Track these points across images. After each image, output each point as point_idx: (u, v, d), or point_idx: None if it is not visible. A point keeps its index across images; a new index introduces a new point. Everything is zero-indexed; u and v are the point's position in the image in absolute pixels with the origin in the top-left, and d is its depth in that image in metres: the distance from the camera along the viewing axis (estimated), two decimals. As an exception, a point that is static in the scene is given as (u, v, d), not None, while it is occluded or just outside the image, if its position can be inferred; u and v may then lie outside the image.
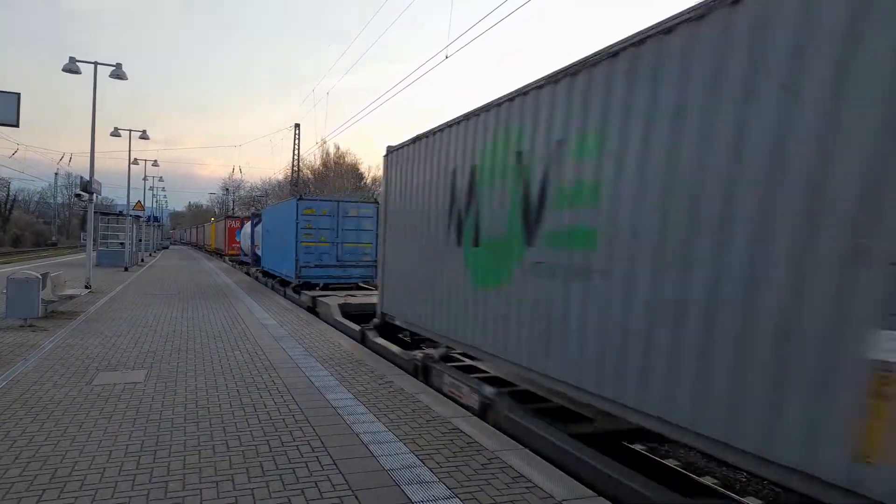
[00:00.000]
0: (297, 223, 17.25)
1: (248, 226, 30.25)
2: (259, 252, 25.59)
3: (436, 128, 8.14)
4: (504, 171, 6.31)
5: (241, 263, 33.03)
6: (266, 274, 23.50)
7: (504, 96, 6.40)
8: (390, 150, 9.83)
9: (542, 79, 5.72)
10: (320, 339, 10.59)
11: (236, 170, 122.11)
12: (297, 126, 59.81)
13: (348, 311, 13.17)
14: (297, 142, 59.94)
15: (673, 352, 4.08)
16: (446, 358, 8.04)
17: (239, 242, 33.75)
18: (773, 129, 3.49)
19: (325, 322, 13.08)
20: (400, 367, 8.48)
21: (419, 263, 8.55)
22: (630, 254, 4.50)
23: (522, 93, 6.03)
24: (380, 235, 10.73)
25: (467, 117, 7.19)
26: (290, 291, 18.15)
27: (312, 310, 15.04)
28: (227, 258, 39.10)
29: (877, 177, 3.01)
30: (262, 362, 8.46)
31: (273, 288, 21.26)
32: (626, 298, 4.51)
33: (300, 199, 18.24)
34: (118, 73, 20.36)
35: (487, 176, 6.64)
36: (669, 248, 4.16)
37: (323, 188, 49.65)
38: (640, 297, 4.39)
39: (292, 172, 59.66)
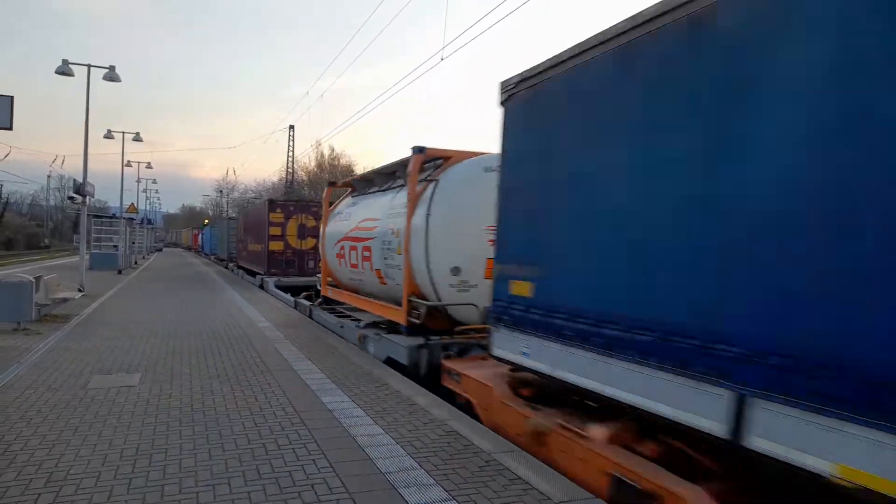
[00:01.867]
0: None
1: (200, 233, 65.53)
2: (201, 244, 60.92)
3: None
4: None
5: (197, 252, 66.20)
6: (206, 255, 54.29)
7: None
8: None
9: None
10: (313, 339, 10.57)
11: (230, 171, 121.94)
12: (292, 127, 59.84)
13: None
14: (291, 143, 59.91)
15: None
16: None
17: (198, 242, 67.20)
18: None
19: None
20: None
21: None
22: None
23: None
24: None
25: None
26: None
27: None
28: (193, 250, 73.47)
29: None
30: (254, 357, 8.45)
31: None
32: None
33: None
34: (111, 76, 20.32)
35: None
36: None
37: (317, 189, 49.58)
38: None
39: (286, 174, 59.57)
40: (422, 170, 9.01)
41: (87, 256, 22.24)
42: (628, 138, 4.39)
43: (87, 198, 21.38)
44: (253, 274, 25.15)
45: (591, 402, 5.05)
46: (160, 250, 75.59)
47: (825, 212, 3.05)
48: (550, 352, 5.04)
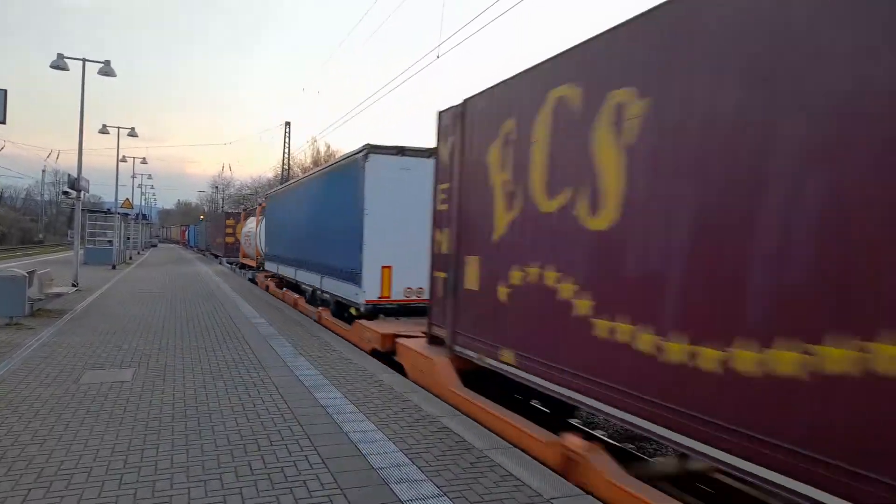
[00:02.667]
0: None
1: (186, 230, 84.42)
2: (186, 238, 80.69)
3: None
4: None
5: (184, 246, 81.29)
6: (190, 247, 72.42)
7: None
8: None
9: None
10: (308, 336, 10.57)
11: (226, 167, 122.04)
12: (288, 124, 59.65)
13: None
14: (287, 140, 59.75)
15: None
16: None
17: (185, 237, 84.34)
18: None
19: None
20: None
21: None
22: None
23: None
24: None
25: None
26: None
27: None
28: (181, 244, 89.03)
29: None
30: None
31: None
32: None
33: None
34: (107, 70, 20.24)
35: None
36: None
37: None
38: None
39: (282, 170, 59.43)
40: (264, 208, 23.75)
41: (81, 252, 22.17)
42: (284, 214, 18.68)
43: (82, 193, 21.29)
44: (216, 256, 43.78)
45: (282, 278, 18.98)
46: (155, 246, 75.79)
47: (310, 233, 14.80)
48: (272, 265, 20.22)
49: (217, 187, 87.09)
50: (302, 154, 64.98)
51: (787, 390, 3.23)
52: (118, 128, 31.38)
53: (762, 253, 3.44)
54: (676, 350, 3.93)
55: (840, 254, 3.06)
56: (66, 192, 23.30)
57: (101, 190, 78.22)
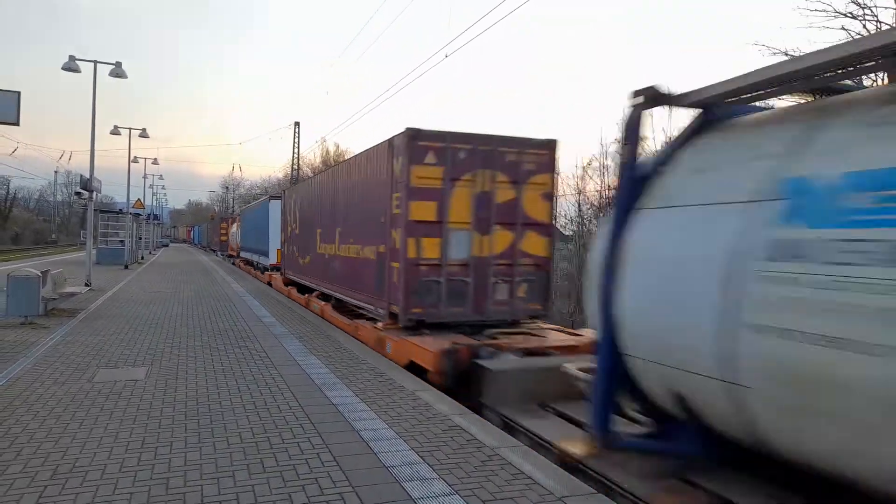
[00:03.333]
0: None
1: (191, 230, 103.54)
2: (192, 237, 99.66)
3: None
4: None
5: (190, 244, 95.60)
6: (195, 244, 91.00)
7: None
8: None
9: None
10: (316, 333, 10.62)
11: (236, 168, 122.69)
12: (297, 124, 59.77)
13: None
14: (296, 140, 59.90)
15: None
16: None
17: (190, 236, 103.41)
18: None
19: None
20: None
21: None
22: None
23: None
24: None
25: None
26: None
27: None
28: (187, 242, 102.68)
29: None
30: (259, 355, 8.50)
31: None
32: None
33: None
34: (118, 72, 20.38)
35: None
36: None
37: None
38: None
39: (292, 170, 59.61)
40: (240, 218, 36.78)
41: (93, 252, 22.37)
42: (244, 223, 33.26)
43: (94, 193, 21.49)
44: (214, 251, 55.37)
45: (249, 262, 30.97)
46: (166, 246, 76.37)
47: (252, 232, 29.63)
48: (244, 254, 32.81)
49: (227, 187, 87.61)
50: (311, 154, 65.20)
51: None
52: (129, 129, 31.70)
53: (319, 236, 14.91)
54: (311, 258, 15.38)
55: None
56: (78, 193, 23.74)
57: (113, 190, 78.39)
